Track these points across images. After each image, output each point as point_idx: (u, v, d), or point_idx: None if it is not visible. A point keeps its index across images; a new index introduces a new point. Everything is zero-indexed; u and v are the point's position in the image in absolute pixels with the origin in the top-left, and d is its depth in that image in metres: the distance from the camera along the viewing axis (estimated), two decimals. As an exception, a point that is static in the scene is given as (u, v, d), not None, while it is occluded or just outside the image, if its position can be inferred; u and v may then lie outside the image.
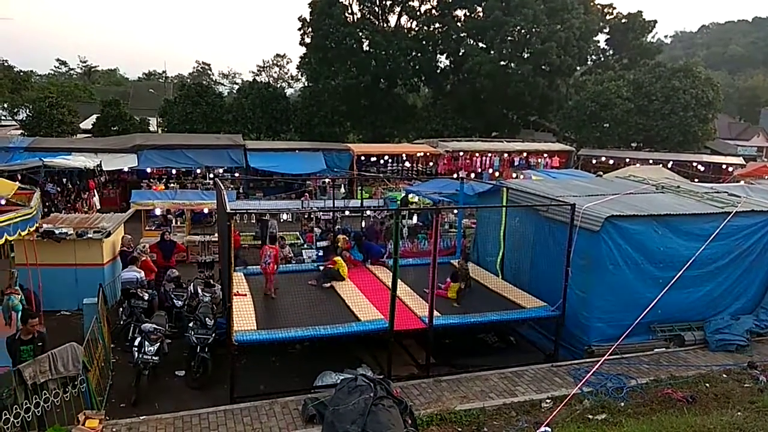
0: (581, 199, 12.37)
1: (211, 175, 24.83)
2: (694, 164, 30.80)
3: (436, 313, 10.90)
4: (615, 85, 37.51)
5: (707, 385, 10.22)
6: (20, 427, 7.89)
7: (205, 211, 18.21)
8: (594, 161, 32.81)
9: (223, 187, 12.07)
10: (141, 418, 8.83)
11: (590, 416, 9.08)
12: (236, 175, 25.23)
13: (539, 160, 31.87)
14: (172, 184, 24.74)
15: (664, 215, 11.86)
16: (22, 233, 9.52)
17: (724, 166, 31.63)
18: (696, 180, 24.01)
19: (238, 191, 24.21)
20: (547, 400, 9.73)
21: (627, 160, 30.99)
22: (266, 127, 40.14)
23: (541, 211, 12.71)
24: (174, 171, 25.78)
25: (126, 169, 25.06)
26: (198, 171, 25.94)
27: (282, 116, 40.44)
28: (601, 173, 26.25)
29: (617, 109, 36.76)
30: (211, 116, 38.17)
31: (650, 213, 11.83)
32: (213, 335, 10.54)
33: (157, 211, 18.14)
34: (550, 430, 8.43)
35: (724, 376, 10.67)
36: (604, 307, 11.41)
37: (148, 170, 25.29)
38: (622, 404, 9.52)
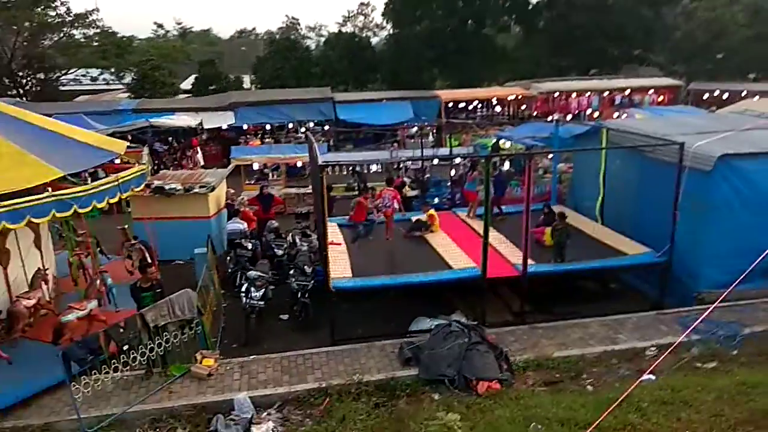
0: (691, 138, 11.37)
1: (303, 129, 25.38)
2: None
3: (530, 261, 10.71)
4: (729, 11, 33.78)
5: (835, 334, 9.37)
6: (146, 364, 8.79)
7: (299, 164, 18.75)
8: (706, 96, 29.97)
9: (314, 140, 12.32)
10: (251, 357, 9.52)
11: (699, 364, 8.68)
12: (326, 128, 25.59)
13: (644, 97, 29.53)
14: (267, 139, 25.63)
15: (787, 152, 10.70)
16: (135, 189, 10.24)
17: None
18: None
19: (328, 144, 24.65)
20: (652, 348, 9.38)
21: (743, 93, 27.97)
22: (353, 79, 40.19)
23: (646, 152, 11.89)
24: (268, 126, 26.60)
25: (224, 127, 26.18)
26: (290, 125, 26.59)
27: (368, 66, 40.25)
28: (714, 108, 24.02)
29: (732, 38, 33.18)
30: (300, 70, 38.69)
31: (770, 150, 10.72)
32: (312, 282, 11.01)
33: (255, 166, 18.93)
34: (654, 377, 8.18)
35: None
36: (717, 252, 10.62)
37: (245, 126, 26.27)
38: (735, 353, 9.00)
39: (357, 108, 26.65)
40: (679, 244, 10.75)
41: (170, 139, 23.57)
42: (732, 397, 6.63)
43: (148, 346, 8.67)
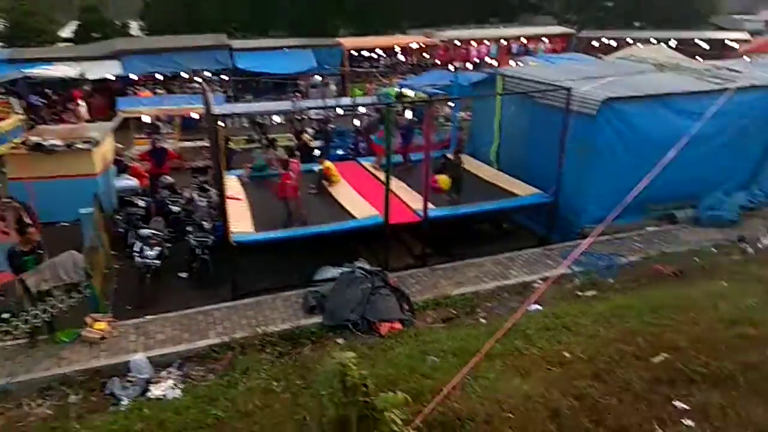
0: (578, 83, 11.99)
1: (198, 79, 24.06)
2: (697, 42, 29.60)
3: (430, 205, 11.00)
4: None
5: (696, 259, 10.47)
6: (30, 332, 8.24)
7: (195, 116, 17.81)
8: (595, 44, 31.54)
9: (207, 89, 11.71)
10: (148, 317, 9.18)
11: (580, 293, 9.42)
12: (223, 77, 24.41)
13: (538, 45, 30.62)
14: (159, 90, 24.07)
15: (664, 95, 11.55)
16: (14, 142, 9.26)
17: (728, 43, 30.38)
18: (699, 58, 23.17)
19: (226, 94, 23.59)
20: (539, 281, 10.06)
21: (629, 40, 29.72)
22: (252, 25, 38.29)
23: (537, 98, 12.38)
24: (160, 76, 24.97)
25: (111, 77, 24.27)
26: (184, 75, 25.10)
27: (270, 12, 38.45)
28: (602, 56, 25.35)
29: (620, -14, 34.86)
30: (194, 16, 36.33)
31: (649, 93, 11.51)
32: (212, 238, 10.70)
33: (146, 119, 17.77)
34: (540, 307, 8.81)
35: (714, 250, 10.91)
36: (599, 190, 11.34)
37: (133, 76, 24.50)
38: (612, 281, 9.84)
39: (256, 56, 25.55)
40: (566, 185, 11.44)
41: (48, 91, 21.51)
42: (607, 319, 7.28)
43: (32, 313, 8.10)
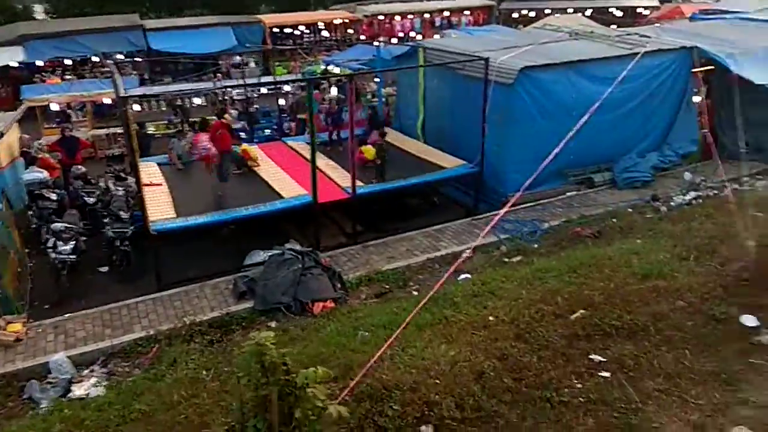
0: (496, 53, 12.16)
1: (109, 62, 22.69)
2: (611, 10, 30.73)
3: (358, 182, 10.95)
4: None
5: (614, 219, 10.98)
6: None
7: (107, 101, 16.84)
8: (515, 15, 32.13)
9: (115, 70, 11.07)
10: (66, 315, 8.73)
11: (506, 259, 9.71)
12: (137, 59, 23.16)
13: (460, 18, 30.85)
14: (68, 76, 22.57)
15: (576, 62, 11.92)
16: None
17: (639, 10, 31.72)
18: (613, 26, 24.05)
19: (142, 77, 22.46)
20: (468, 251, 10.26)
21: (547, 11, 30.45)
22: (167, 3, 36.44)
23: (458, 69, 12.48)
24: (68, 61, 23.40)
25: (14, 64, 22.53)
26: (95, 59, 23.64)
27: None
28: (521, 26, 25.86)
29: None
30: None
31: (563, 61, 11.84)
32: (131, 228, 10.23)
33: (54, 106, 16.65)
34: (470, 275, 9.01)
35: (629, 210, 11.46)
36: (520, 158, 11.60)
37: (39, 63, 22.85)
38: (536, 246, 10.19)
39: (172, 36, 24.35)
40: (489, 155, 11.66)
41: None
42: (529, 282, 7.53)
43: (-67, 321, 7.53)
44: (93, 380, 7.19)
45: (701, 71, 13.17)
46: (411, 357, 5.59)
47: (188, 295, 9.20)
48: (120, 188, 11.51)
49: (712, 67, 13.08)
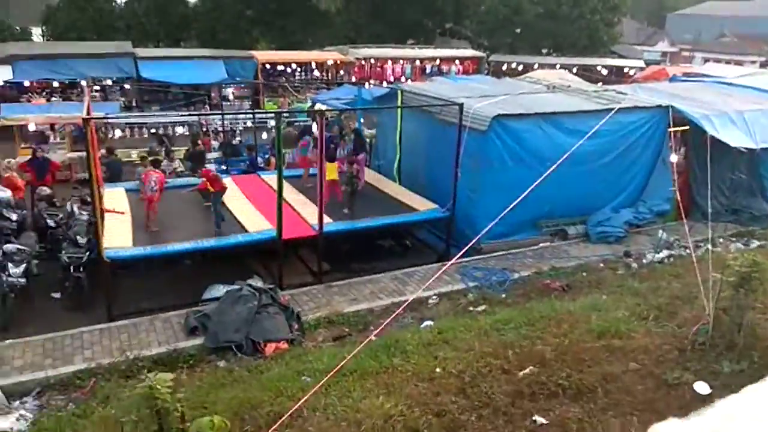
0: (472, 100, 12.23)
1: (98, 87, 22.76)
2: (598, 68, 31.49)
3: (327, 219, 10.78)
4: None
5: (584, 273, 10.85)
6: None
7: (88, 125, 16.67)
8: (504, 67, 32.80)
9: (87, 92, 10.99)
10: (7, 342, 8.33)
11: (471, 308, 9.47)
12: (126, 86, 23.22)
13: (451, 66, 31.42)
14: (54, 98, 22.53)
15: (550, 113, 11.99)
16: None
17: (625, 70, 32.52)
18: (599, 83, 24.56)
19: (129, 104, 22.46)
20: (434, 297, 10.04)
21: (535, 66, 31.15)
22: (165, 35, 36.99)
23: (434, 113, 12.53)
24: (57, 84, 23.41)
25: (0, 83, 22.51)
26: (84, 83, 23.65)
27: (181, 23, 37.29)
28: (508, 78, 26.30)
29: (528, 14, 36.53)
30: (100, 24, 34.60)
31: (536, 111, 11.92)
32: (87, 254, 9.92)
33: (32, 126, 16.50)
34: (432, 323, 8.77)
35: (601, 265, 11.35)
36: (493, 206, 11.40)
37: (26, 83, 22.83)
38: (503, 296, 9.97)
39: (162, 65, 24.46)
40: (462, 200, 11.58)
41: None
42: (487, 333, 7.29)
43: None
44: (17, 413, 6.78)
45: (678, 131, 13.30)
46: (345, 408, 5.30)
47: (137, 327, 8.84)
48: (84, 213, 11.23)
49: (688, 127, 13.20)
